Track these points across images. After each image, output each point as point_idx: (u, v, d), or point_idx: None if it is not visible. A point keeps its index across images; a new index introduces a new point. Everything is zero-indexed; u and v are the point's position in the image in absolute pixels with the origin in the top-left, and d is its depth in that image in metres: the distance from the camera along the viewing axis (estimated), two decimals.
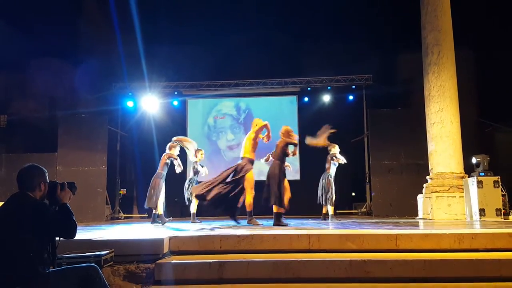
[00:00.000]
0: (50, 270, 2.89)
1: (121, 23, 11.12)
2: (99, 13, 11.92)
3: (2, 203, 2.90)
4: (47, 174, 3.02)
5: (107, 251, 3.75)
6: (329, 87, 12.85)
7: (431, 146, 9.20)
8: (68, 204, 2.99)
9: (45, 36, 11.10)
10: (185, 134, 11.62)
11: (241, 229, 5.72)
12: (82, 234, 5.12)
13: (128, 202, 12.70)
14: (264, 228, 6.02)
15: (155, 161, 10.23)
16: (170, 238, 4.51)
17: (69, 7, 11.83)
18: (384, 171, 11.47)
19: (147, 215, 11.19)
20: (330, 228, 5.93)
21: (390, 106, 12.02)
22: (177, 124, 12.80)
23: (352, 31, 12.13)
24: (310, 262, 4.04)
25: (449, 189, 8.72)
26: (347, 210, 12.58)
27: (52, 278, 2.80)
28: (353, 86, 12.88)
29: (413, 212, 9.69)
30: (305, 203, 10.54)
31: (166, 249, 4.38)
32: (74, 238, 2.98)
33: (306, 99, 13.09)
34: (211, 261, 4.07)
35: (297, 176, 12.00)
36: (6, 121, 11.63)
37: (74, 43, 11.86)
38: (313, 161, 10.71)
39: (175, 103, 13.24)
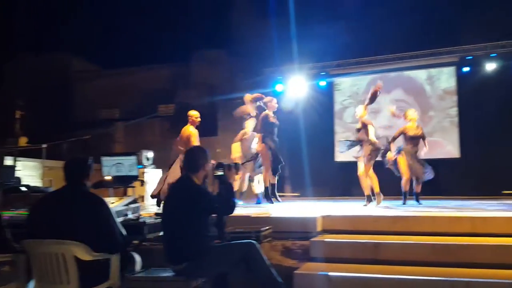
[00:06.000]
0: (215, 244, 3.23)
1: (270, 10, 11.68)
2: (249, 6, 12.80)
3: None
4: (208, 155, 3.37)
5: (266, 227, 4.05)
6: (493, 54, 11.27)
7: None
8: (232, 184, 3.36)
9: (202, 30, 12.42)
10: (332, 116, 11.80)
11: (394, 210, 5.57)
12: (242, 210, 5.57)
13: (280, 181, 13.23)
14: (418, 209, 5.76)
15: (301, 142, 10.71)
16: (323, 217, 4.64)
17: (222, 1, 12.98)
18: None
19: (299, 194, 11.60)
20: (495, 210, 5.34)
21: None
22: (324, 106, 12.74)
23: None
24: (474, 246, 3.78)
25: None
26: None
27: (216, 252, 3.10)
28: None
29: None
30: (465, 183, 9.56)
31: (319, 228, 4.53)
32: (236, 215, 3.35)
33: (466, 69, 11.68)
34: (365, 241, 4.08)
35: (455, 154, 10.87)
36: (175, 110, 13.29)
37: (228, 35, 12.96)
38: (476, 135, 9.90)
39: (323, 83, 13.10)
